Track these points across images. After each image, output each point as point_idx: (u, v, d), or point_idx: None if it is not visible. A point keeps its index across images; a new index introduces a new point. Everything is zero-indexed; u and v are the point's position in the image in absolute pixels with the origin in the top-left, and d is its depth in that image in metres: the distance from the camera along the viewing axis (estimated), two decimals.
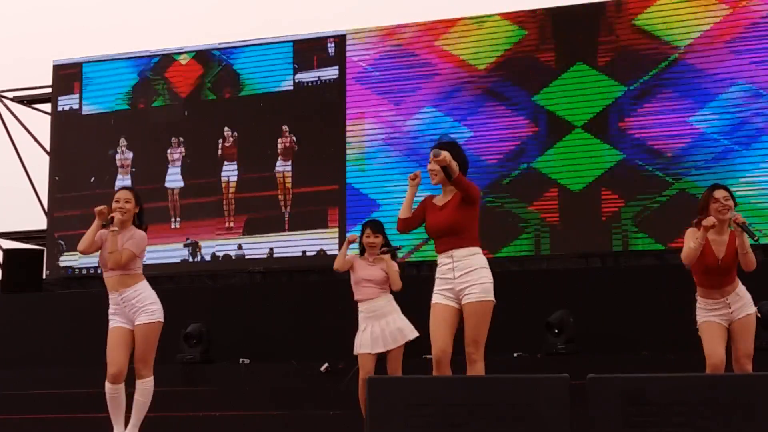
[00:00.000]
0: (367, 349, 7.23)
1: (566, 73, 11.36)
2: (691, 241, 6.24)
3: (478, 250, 5.94)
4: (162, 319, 6.69)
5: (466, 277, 5.85)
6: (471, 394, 4.87)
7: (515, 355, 9.99)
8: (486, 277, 5.88)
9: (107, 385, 6.61)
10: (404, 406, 4.86)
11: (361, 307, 7.33)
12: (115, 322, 6.63)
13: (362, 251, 7.44)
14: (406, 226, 6.08)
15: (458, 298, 5.87)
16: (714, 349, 6.23)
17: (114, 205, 6.63)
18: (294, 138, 12.28)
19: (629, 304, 10.00)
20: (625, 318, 9.95)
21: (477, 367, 5.79)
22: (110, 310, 6.66)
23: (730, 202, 6.34)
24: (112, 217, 6.54)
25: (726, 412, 4.59)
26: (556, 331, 9.89)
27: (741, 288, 6.39)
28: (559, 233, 11.11)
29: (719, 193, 6.36)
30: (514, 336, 10.00)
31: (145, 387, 6.66)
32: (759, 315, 6.48)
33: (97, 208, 6.57)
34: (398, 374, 7.13)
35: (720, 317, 6.32)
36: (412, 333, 7.26)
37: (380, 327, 7.22)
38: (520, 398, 4.79)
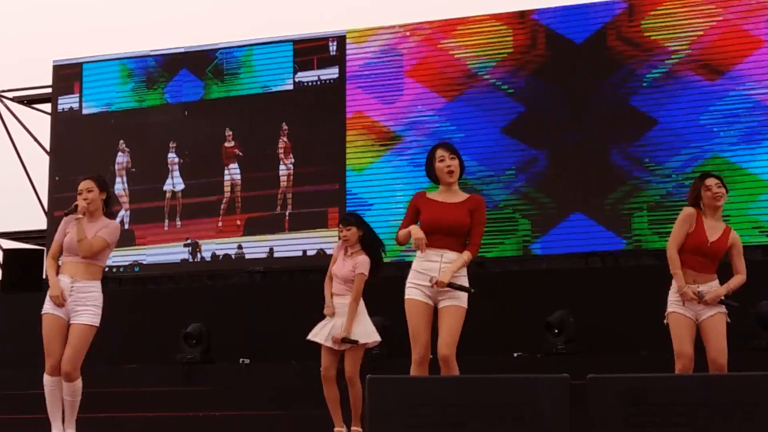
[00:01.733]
0: (326, 340, 7.27)
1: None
2: (680, 229, 6.29)
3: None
4: (98, 326, 6.49)
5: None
6: (471, 394, 4.87)
7: (515, 355, 9.99)
8: (466, 284, 5.92)
9: (47, 378, 6.40)
10: (404, 406, 4.86)
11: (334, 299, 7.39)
12: (53, 309, 6.40)
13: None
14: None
15: (435, 299, 5.89)
16: (683, 349, 6.21)
17: (78, 197, 6.55)
18: (294, 138, 12.27)
19: (629, 304, 9.98)
20: (625, 318, 9.94)
21: (453, 367, 5.82)
22: (49, 294, 6.42)
23: (722, 189, 6.35)
24: (76, 205, 6.48)
25: (726, 412, 4.60)
26: (556, 331, 9.89)
27: (717, 285, 6.33)
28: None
29: (711, 181, 6.37)
30: (514, 336, 10.01)
31: (76, 388, 6.43)
32: (729, 320, 6.34)
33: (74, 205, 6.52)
34: (356, 375, 7.25)
35: (688, 308, 6.26)
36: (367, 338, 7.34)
37: (340, 324, 7.26)
38: (520, 398, 4.79)
